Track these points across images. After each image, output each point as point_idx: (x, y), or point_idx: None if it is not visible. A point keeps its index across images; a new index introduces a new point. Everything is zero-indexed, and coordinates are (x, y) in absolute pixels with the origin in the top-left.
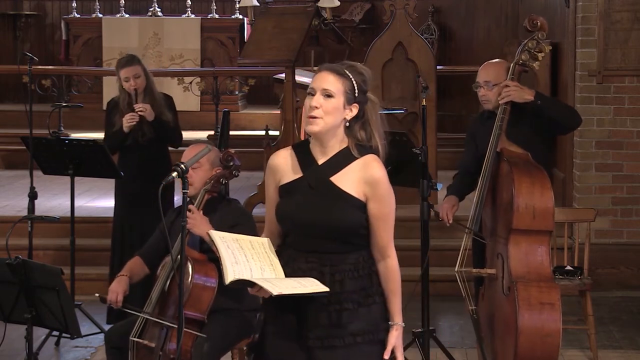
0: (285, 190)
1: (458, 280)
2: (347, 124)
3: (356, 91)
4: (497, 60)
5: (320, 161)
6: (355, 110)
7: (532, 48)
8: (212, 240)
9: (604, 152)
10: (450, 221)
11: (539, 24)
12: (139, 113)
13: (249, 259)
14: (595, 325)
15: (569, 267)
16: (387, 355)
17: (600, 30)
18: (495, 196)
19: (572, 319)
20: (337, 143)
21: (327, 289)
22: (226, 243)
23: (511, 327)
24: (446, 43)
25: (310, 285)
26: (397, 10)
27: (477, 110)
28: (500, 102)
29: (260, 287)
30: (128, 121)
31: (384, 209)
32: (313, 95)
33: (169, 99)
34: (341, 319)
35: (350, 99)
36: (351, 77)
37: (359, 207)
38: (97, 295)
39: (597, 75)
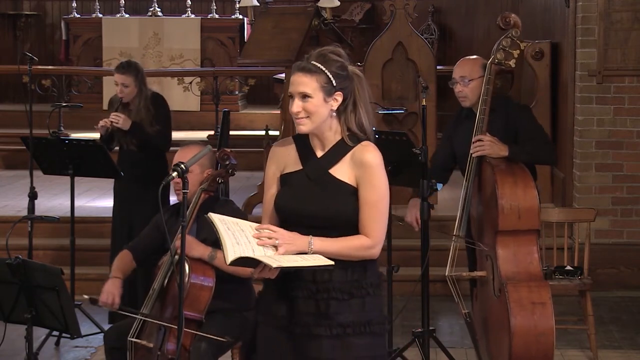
0: (285, 180)
1: (449, 284)
2: (334, 113)
3: (333, 81)
4: (473, 56)
5: (319, 154)
6: (339, 97)
7: (506, 46)
8: (212, 222)
9: (604, 152)
10: (419, 226)
11: (512, 21)
12: (112, 122)
13: (251, 240)
14: (595, 325)
15: (569, 267)
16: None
17: (600, 30)
18: (481, 198)
19: (572, 319)
20: (332, 134)
21: (332, 263)
22: (226, 225)
23: (504, 328)
24: (446, 43)
25: (313, 260)
26: (397, 10)
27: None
28: (473, 155)
29: (264, 266)
30: (100, 126)
31: (373, 194)
32: (293, 98)
33: (158, 99)
34: (329, 308)
35: (329, 91)
36: (323, 69)
37: (353, 193)
38: (85, 297)
39: (597, 75)
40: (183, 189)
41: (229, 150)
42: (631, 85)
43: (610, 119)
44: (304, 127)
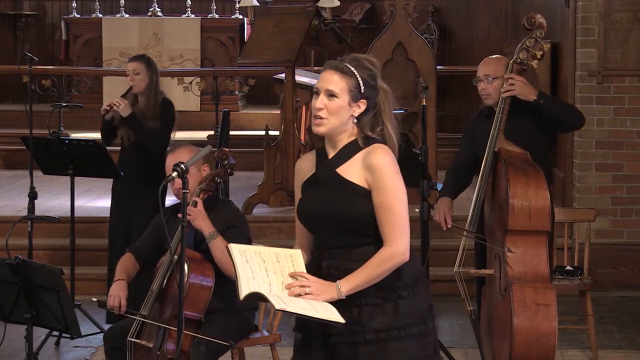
0: (304, 188)
1: (457, 280)
2: (355, 120)
3: (362, 87)
4: (497, 55)
5: (331, 155)
6: (363, 105)
7: (530, 46)
8: (230, 254)
9: (604, 152)
10: (449, 225)
11: (537, 22)
12: (114, 105)
13: (270, 274)
14: (595, 325)
15: (569, 267)
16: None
17: (600, 30)
18: (493, 197)
19: (572, 319)
20: (346, 137)
21: (342, 321)
22: (245, 257)
23: (507, 327)
24: (446, 43)
25: (323, 312)
26: (397, 10)
27: (477, 110)
28: (502, 94)
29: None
30: (103, 109)
31: (385, 197)
32: (318, 95)
33: (167, 104)
34: (362, 314)
35: (356, 96)
36: (356, 73)
37: (364, 195)
38: (94, 299)
39: (597, 75)
40: (183, 189)
41: (227, 149)
42: (631, 85)
43: (610, 119)
44: (321, 128)
